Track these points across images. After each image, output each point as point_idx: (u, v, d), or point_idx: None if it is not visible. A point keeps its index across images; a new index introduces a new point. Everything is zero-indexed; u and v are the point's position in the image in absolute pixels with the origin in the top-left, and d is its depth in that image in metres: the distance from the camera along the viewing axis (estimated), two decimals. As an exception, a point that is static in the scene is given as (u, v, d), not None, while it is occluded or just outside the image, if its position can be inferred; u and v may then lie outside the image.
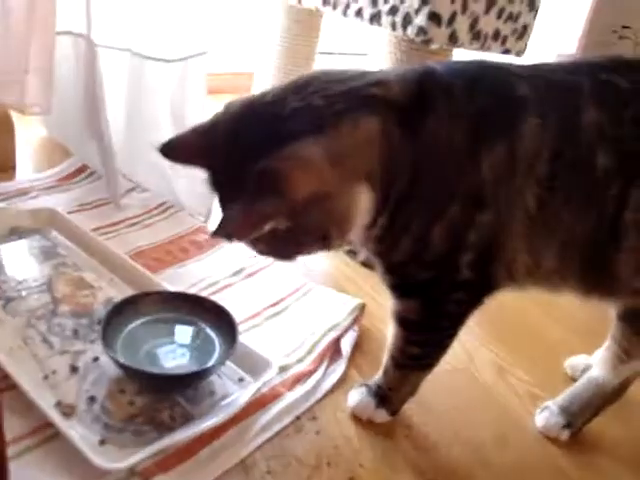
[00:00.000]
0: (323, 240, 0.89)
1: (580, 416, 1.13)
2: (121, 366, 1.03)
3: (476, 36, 1.48)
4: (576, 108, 0.88)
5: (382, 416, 1.09)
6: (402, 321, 1.01)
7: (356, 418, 1.10)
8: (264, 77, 2.13)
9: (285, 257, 0.94)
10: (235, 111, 0.87)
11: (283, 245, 0.89)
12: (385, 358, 1.08)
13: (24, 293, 1.26)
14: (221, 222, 0.78)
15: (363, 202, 0.87)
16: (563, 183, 0.88)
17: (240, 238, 0.82)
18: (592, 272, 0.93)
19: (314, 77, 0.89)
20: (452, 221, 0.89)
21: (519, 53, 1.60)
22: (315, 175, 0.81)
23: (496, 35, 1.53)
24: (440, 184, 0.89)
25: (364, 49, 2.80)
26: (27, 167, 1.85)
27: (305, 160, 0.81)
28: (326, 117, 0.82)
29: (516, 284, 0.96)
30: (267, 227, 0.80)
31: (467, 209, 0.89)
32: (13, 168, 1.79)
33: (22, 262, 1.37)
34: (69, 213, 1.56)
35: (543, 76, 0.92)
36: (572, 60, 0.94)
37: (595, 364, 1.14)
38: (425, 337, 1.02)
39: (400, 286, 0.97)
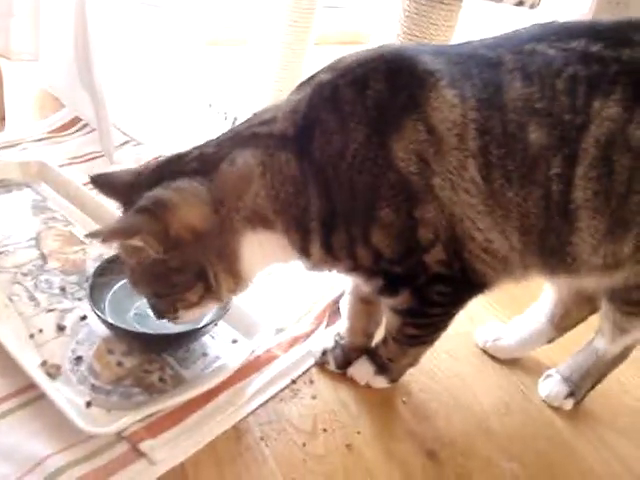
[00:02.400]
0: (200, 281, 0.87)
1: (582, 384, 1.11)
2: (109, 325, 0.99)
3: (488, -14, 1.41)
4: (498, 84, 0.82)
5: (381, 383, 1.07)
6: (396, 311, 0.97)
7: (354, 383, 1.07)
8: (260, 28, 2.05)
9: (163, 310, 0.92)
10: (159, 161, 0.92)
11: (160, 284, 0.88)
12: (385, 331, 1.04)
13: (11, 248, 1.22)
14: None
15: (256, 244, 0.88)
16: (498, 161, 0.82)
17: (106, 240, 0.85)
18: (551, 255, 0.89)
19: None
20: (389, 225, 0.84)
21: (533, 6, 1.52)
22: (193, 211, 0.84)
23: (509, -14, 1.46)
24: (355, 193, 0.84)
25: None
26: (17, 118, 1.78)
27: (187, 194, 0.84)
28: (212, 162, 0.86)
29: (497, 274, 0.90)
30: (136, 242, 0.82)
31: (400, 209, 0.83)
32: (2, 119, 1.73)
33: (10, 216, 1.32)
34: (60, 166, 1.51)
35: (460, 52, 0.86)
36: (495, 35, 0.88)
37: (595, 334, 1.10)
38: (420, 321, 0.98)
39: (386, 286, 0.92)
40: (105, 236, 0.82)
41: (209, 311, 1.03)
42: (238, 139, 0.88)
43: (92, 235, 0.82)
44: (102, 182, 0.92)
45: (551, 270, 0.92)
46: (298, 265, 0.93)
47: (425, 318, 0.97)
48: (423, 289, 0.91)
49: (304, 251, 0.89)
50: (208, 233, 0.84)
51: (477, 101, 0.81)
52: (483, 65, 0.83)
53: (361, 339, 1.09)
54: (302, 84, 0.89)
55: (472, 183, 0.82)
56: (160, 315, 0.93)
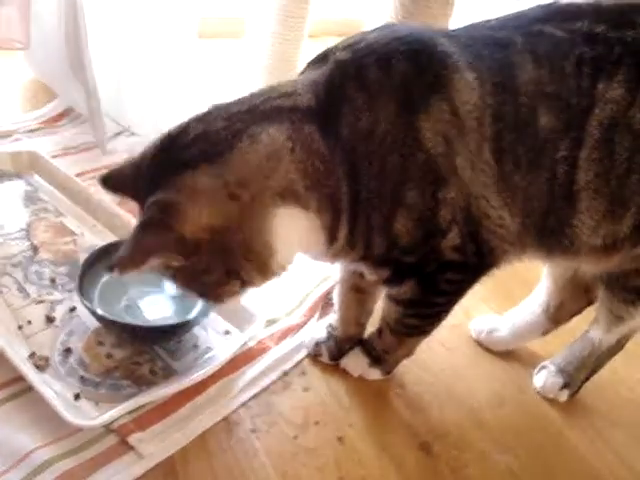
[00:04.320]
0: (233, 277, 0.81)
1: (578, 376, 1.09)
2: (98, 317, 0.98)
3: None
4: (510, 66, 0.81)
5: (375, 375, 1.05)
6: (398, 301, 0.96)
7: (346, 375, 1.06)
8: (255, 22, 2.02)
9: (212, 299, 0.86)
10: (155, 142, 0.81)
11: (198, 285, 0.82)
12: (380, 322, 1.03)
13: (1, 239, 1.20)
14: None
15: (289, 225, 0.80)
16: (509, 146, 0.82)
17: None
18: (550, 236, 0.88)
19: (219, 104, 0.82)
20: (413, 208, 0.82)
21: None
22: (207, 208, 0.75)
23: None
24: (384, 174, 0.81)
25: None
26: (9, 109, 1.76)
27: (196, 192, 0.75)
28: (223, 140, 0.77)
29: (514, 247, 0.89)
30: (154, 262, 0.74)
31: (425, 190, 0.82)
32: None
33: (1, 207, 1.30)
34: (53, 157, 1.49)
35: (468, 34, 0.85)
36: (499, 17, 0.88)
37: (591, 324, 1.09)
38: (422, 311, 0.97)
39: (392, 276, 0.91)
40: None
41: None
42: (257, 113, 0.79)
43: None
44: (111, 182, 0.84)
45: (547, 251, 0.91)
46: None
47: (428, 308, 0.96)
48: (431, 278, 0.90)
49: (332, 235, 0.84)
50: (228, 225, 0.77)
51: (492, 85, 0.81)
52: (493, 46, 0.83)
53: (354, 329, 1.08)
54: (314, 62, 0.86)
55: (487, 164, 0.82)
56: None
